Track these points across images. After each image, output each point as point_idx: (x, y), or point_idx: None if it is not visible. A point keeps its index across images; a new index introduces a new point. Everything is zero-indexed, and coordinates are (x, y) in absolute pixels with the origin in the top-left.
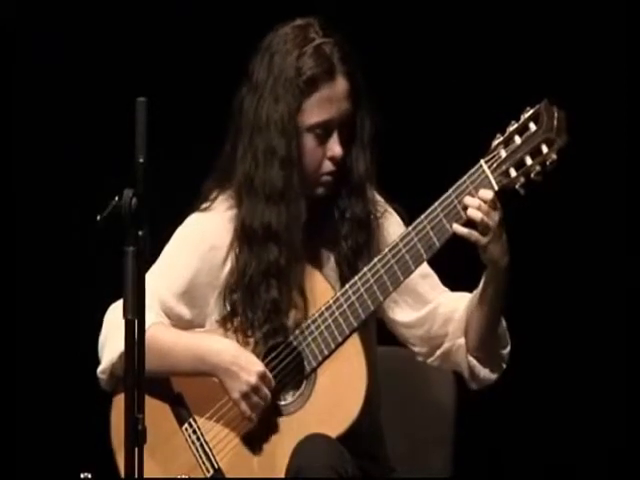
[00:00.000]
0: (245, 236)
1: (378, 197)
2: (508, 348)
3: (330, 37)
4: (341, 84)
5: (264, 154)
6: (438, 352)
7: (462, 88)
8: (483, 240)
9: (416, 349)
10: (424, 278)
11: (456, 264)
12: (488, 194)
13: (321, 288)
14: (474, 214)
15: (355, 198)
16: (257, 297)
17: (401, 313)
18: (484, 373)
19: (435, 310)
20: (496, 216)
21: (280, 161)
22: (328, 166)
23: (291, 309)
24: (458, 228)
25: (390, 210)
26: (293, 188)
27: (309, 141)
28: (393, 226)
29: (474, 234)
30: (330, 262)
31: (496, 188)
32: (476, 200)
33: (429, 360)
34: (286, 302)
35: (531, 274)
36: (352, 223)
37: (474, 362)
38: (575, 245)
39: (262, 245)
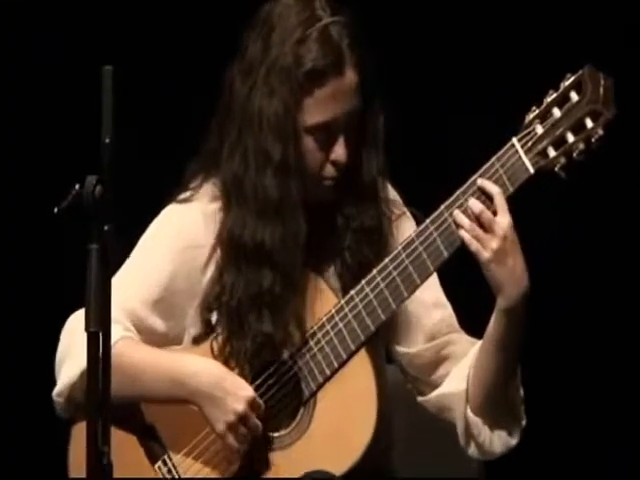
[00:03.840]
0: (232, 249)
1: (396, 196)
2: (522, 423)
3: (339, 15)
4: (350, 77)
5: (255, 156)
6: (434, 393)
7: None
8: (484, 255)
9: (411, 384)
10: (436, 308)
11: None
12: (494, 190)
13: (323, 297)
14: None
15: (363, 206)
16: (246, 326)
17: (404, 341)
18: (485, 435)
19: (441, 346)
20: (501, 229)
21: (274, 168)
22: (330, 171)
23: (287, 344)
24: (460, 229)
25: (408, 214)
26: (291, 200)
27: (309, 143)
28: (409, 232)
29: (474, 243)
30: (330, 274)
31: (532, 171)
32: (477, 204)
33: (421, 399)
34: (281, 336)
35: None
36: (358, 234)
37: (473, 418)
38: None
39: (253, 266)
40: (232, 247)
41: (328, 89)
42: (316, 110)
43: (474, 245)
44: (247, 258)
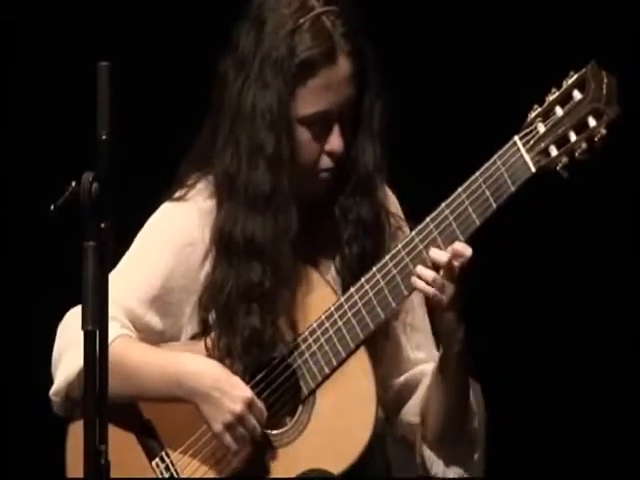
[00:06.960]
0: (223, 245)
1: (396, 204)
2: (476, 455)
3: (332, 4)
4: (343, 66)
5: (248, 151)
6: (397, 419)
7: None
8: (444, 300)
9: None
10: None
11: None
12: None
13: (321, 293)
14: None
15: (361, 197)
16: (236, 320)
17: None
18: (438, 469)
19: (410, 379)
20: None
21: (267, 161)
22: (326, 162)
23: (277, 342)
24: (417, 283)
25: (406, 227)
26: (283, 194)
27: (303, 134)
28: None
29: (437, 294)
30: (330, 270)
31: (533, 170)
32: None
33: (392, 425)
34: (270, 333)
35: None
36: (357, 226)
37: (428, 453)
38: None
39: (243, 260)
40: (223, 242)
41: (321, 79)
42: (310, 100)
43: (437, 297)
44: (238, 253)
